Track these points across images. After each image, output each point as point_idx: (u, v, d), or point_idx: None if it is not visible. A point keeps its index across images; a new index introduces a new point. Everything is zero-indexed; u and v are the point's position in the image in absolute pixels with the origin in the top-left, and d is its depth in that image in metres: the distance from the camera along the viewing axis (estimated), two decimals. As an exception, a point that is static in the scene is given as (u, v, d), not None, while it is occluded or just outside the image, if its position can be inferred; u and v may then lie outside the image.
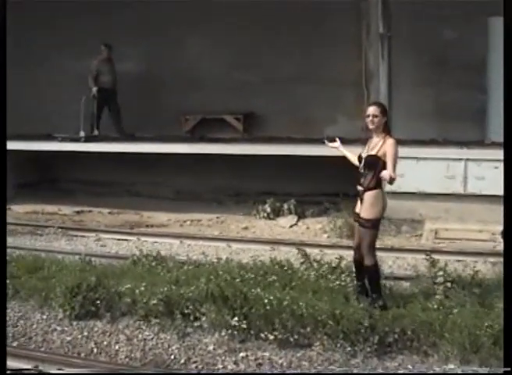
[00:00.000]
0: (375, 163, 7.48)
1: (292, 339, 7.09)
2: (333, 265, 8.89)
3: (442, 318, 7.14)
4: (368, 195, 7.52)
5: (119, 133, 15.73)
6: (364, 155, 7.65)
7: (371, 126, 7.61)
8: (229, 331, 7.25)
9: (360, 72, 14.26)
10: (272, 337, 7.11)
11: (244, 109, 15.81)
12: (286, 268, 9.11)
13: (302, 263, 9.31)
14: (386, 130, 7.62)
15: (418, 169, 12.27)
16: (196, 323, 7.57)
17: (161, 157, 14.54)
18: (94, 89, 15.46)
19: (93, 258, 10.20)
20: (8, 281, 8.71)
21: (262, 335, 7.17)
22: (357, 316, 7.07)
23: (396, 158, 7.38)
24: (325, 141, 8.42)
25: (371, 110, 7.61)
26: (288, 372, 6.83)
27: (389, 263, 10.22)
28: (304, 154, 13.24)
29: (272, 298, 7.48)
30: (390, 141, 7.47)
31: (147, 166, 15.61)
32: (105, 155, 14.83)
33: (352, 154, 8.09)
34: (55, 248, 11.69)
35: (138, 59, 16.33)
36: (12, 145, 14.90)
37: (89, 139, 15.17)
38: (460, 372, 6.61)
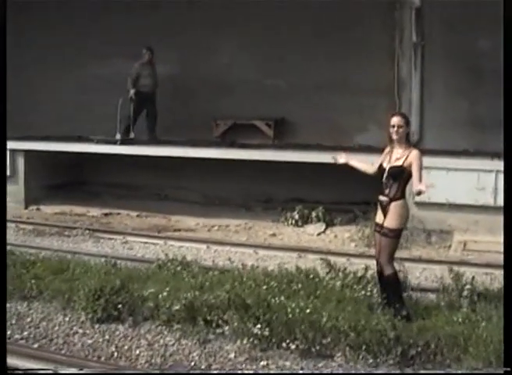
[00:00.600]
0: (401, 174, 7.44)
1: (314, 349, 7.02)
2: (359, 274, 8.83)
3: (468, 332, 7.02)
4: (394, 205, 7.46)
5: (151, 138, 15.67)
6: (386, 166, 7.58)
7: (395, 137, 7.55)
8: (251, 339, 7.18)
9: (393, 80, 14.15)
10: (293, 347, 7.04)
11: (275, 115, 15.73)
12: (311, 276, 9.02)
13: (328, 273, 9.24)
14: (408, 140, 7.56)
15: (449, 180, 12.09)
16: (218, 330, 7.52)
17: (191, 161, 14.51)
18: (132, 91, 15.35)
19: (118, 261, 10.22)
20: (33, 281, 8.76)
21: (284, 344, 7.10)
22: (381, 327, 6.98)
23: (421, 169, 7.34)
24: (333, 158, 8.36)
25: (396, 121, 7.54)
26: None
27: (416, 274, 10.10)
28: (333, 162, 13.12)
29: (293, 305, 7.42)
30: (415, 152, 7.44)
31: (176, 169, 15.59)
32: (135, 158, 14.85)
33: (363, 163, 8.14)
34: (81, 250, 11.72)
35: (170, 64, 16.28)
36: (42, 146, 15.15)
37: (125, 142, 15.13)
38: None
